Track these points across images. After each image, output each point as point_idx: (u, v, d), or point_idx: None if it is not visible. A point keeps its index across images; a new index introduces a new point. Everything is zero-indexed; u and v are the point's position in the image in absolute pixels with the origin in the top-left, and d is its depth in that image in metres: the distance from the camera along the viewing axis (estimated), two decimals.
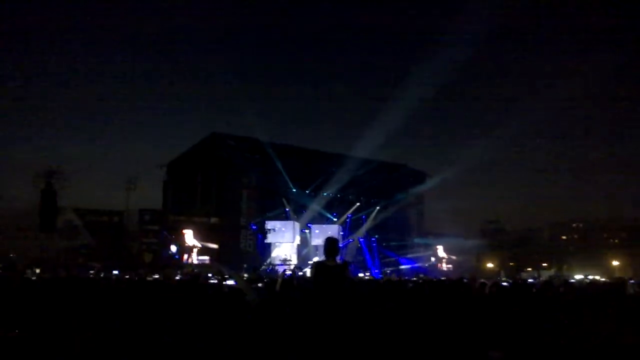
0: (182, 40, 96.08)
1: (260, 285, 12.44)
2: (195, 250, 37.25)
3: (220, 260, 35.33)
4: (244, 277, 19.66)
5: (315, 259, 32.26)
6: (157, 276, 21.32)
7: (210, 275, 19.45)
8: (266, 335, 6.79)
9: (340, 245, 33.10)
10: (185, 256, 36.79)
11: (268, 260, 39.07)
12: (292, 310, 7.45)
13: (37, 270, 26.08)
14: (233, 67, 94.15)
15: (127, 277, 21.63)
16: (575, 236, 50.42)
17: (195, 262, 36.47)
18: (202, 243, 37.49)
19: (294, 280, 14.79)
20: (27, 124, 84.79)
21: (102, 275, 23.82)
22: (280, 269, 33.98)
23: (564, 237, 51.05)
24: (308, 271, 32.06)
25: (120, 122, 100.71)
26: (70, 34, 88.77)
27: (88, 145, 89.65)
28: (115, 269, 25.16)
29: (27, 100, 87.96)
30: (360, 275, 32.30)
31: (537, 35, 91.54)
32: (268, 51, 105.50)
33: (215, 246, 37.93)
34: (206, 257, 37.47)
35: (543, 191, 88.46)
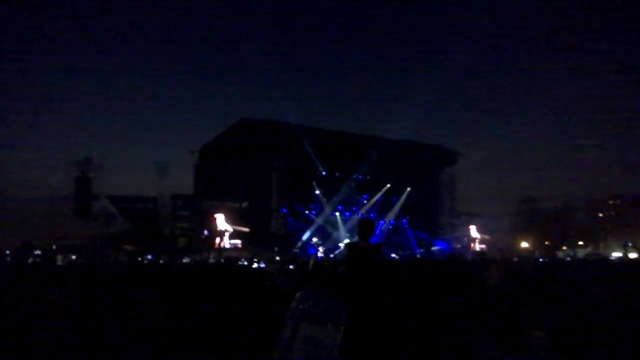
0: (212, 25, 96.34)
1: (292, 267, 12.46)
2: (227, 234, 37.56)
3: (252, 244, 35.59)
4: (276, 260, 19.78)
5: (346, 241, 32.24)
6: (186, 260, 21.57)
7: (240, 259, 19.68)
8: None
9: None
10: (217, 240, 37.12)
11: (299, 243, 39.17)
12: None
13: (74, 257, 26.74)
14: (263, 51, 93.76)
15: (161, 261, 21.98)
16: (613, 213, 49.02)
17: (227, 246, 36.79)
18: (234, 227, 37.78)
19: (325, 262, 14.79)
20: (61, 113, 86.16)
21: (139, 259, 24.23)
22: (312, 252, 34.11)
23: (600, 215, 49.70)
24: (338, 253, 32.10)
25: (153, 109, 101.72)
26: (100, 20, 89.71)
27: (121, 133, 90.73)
28: (149, 254, 25.52)
29: (60, 90, 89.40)
30: (394, 256, 32.18)
31: (573, 6, 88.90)
32: (297, 34, 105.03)
33: (246, 230, 38.18)
34: (238, 241, 37.77)
35: (579, 169, 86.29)
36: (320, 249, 36.74)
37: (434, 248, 42.68)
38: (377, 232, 41.13)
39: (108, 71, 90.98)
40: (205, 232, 37.33)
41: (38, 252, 28.68)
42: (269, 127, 40.19)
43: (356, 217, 40.24)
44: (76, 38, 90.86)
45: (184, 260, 20.99)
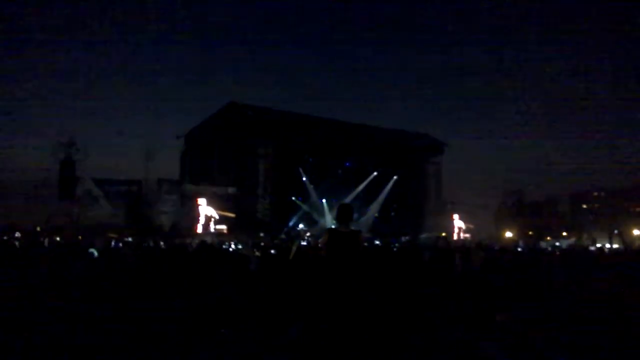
0: (199, 10, 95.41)
1: (272, 251, 12.46)
2: (212, 219, 37.44)
3: (238, 230, 35.52)
4: (254, 244, 19.86)
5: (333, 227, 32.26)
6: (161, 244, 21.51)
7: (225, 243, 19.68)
8: (267, 297, 6.78)
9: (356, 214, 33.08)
10: (201, 225, 36.95)
11: (285, 229, 39.19)
12: (300, 274, 7.40)
13: (58, 239, 26.54)
14: (252, 36, 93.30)
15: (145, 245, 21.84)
16: (596, 205, 49.62)
17: (212, 231, 36.68)
18: (220, 212, 37.66)
19: (309, 248, 14.80)
20: (46, 95, 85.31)
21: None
22: (296, 239, 34.12)
23: (584, 206, 50.30)
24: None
25: (139, 93, 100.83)
26: (88, 7, 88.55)
27: (107, 115, 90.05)
28: (128, 237, 25.31)
29: (46, 71, 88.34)
30: (377, 242, 32.26)
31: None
32: (287, 20, 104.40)
33: (232, 215, 38.08)
34: (224, 226, 37.68)
35: (563, 160, 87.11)
36: (307, 234, 36.77)
37: (422, 236, 42.85)
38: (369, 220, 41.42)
39: (94, 55, 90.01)
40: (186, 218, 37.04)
41: (17, 234, 28.43)
42: (256, 112, 40.04)
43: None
44: (61, 23, 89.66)
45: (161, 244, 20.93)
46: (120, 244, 22.21)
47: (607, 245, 33.57)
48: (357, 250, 6.37)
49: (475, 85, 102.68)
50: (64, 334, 6.14)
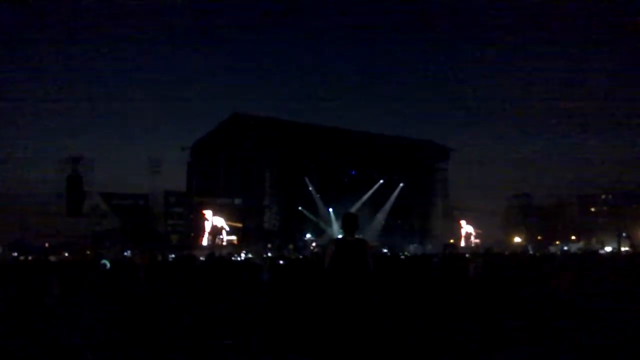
0: (203, 22, 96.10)
1: (281, 262, 12.48)
2: (223, 231, 37.43)
3: (246, 241, 35.48)
4: (268, 256, 19.87)
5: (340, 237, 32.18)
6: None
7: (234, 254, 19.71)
8: (277, 306, 6.76)
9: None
10: (207, 237, 36.98)
11: (293, 241, 39.09)
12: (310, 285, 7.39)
13: (66, 254, 26.68)
14: (255, 47, 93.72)
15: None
16: (605, 208, 49.35)
17: (222, 242, 36.64)
18: (228, 223, 37.65)
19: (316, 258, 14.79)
20: (52, 111, 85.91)
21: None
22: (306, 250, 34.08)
23: (593, 209, 50.01)
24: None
25: (144, 106, 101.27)
26: (94, 19, 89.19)
27: (112, 130, 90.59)
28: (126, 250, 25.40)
29: (52, 87, 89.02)
30: (385, 251, 32.23)
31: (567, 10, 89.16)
32: (289, 30, 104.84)
33: (239, 225, 38.05)
34: (234, 237, 37.68)
35: (571, 164, 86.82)
36: (314, 244, 36.70)
37: (428, 245, 42.71)
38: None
39: (100, 69, 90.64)
40: (192, 234, 37.00)
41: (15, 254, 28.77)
42: (260, 123, 40.10)
43: None
44: (69, 37, 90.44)
45: (171, 256, 20.96)
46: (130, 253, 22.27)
47: (609, 248, 33.40)
48: (364, 258, 6.36)
49: (479, 89, 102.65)
50: (75, 341, 6.17)
